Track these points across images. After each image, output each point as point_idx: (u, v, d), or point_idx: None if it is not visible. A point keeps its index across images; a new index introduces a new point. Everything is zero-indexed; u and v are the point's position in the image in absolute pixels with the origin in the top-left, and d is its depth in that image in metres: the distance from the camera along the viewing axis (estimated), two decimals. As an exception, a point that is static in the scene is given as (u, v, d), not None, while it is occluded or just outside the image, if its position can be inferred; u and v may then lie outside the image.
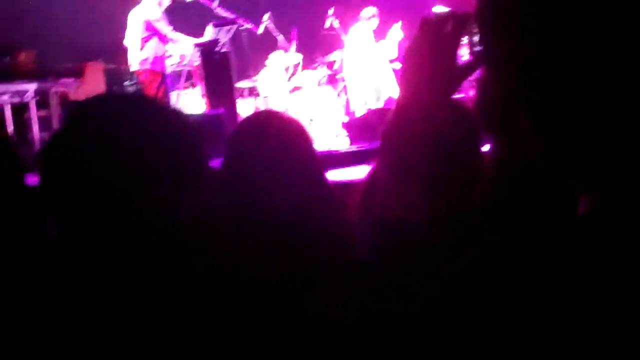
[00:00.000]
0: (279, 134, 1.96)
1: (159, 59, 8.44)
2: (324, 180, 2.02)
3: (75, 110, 1.30)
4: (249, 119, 2.24)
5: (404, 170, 1.85)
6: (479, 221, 1.75)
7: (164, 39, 8.49)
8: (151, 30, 8.37)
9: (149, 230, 1.21)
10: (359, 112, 10.37)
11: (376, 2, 11.01)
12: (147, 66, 8.37)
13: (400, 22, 10.71)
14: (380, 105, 9.96)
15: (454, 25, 1.26)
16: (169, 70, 8.80)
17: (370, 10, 10.60)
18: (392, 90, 10.35)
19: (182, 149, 1.26)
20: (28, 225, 1.62)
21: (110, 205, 1.18)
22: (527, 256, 0.90)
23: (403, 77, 1.35)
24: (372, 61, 10.50)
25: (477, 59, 1.21)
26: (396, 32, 10.76)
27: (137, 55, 8.41)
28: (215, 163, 5.66)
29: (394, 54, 10.69)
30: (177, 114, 1.33)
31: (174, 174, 1.22)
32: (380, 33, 10.76)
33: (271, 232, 1.83)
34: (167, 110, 1.33)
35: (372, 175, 2.01)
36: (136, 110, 1.27)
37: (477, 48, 1.07)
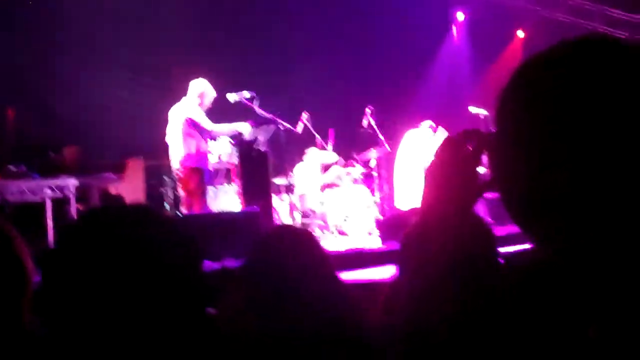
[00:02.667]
0: (292, 245, 2.12)
1: (201, 156, 8.49)
2: (336, 281, 2.11)
3: (74, 222, 1.37)
4: (268, 233, 2.42)
5: (424, 278, 1.91)
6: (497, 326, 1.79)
7: (205, 136, 8.58)
8: (192, 128, 8.47)
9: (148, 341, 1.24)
10: (393, 211, 10.47)
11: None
12: (189, 163, 8.41)
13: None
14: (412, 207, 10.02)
15: (476, 144, 1.31)
16: (209, 167, 8.92)
17: (428, 123, 10.96)
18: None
19: (176, 260, 1.30)
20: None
21: (106, 314, 1.21)
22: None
23: (425, 190, 1.40)
24: (419, 167, 10.68)
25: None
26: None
27: (179, 152, 8.48)
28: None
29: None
30: (174, 226, 1.37)
31: (168, 287, 1.26)
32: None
33: (285, 325, 1.93)
34: (164, 222, 1.37)
35: (395, 279, 2.08)
36: (132, 222, 1.31)
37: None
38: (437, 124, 11.04)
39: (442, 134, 10.91)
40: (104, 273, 1.22)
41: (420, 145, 10.83)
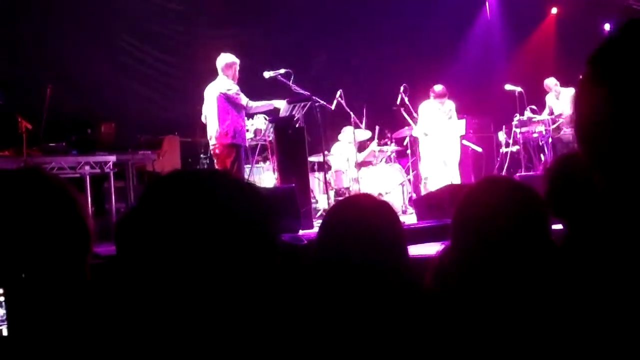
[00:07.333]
0: (369, 214, 2.10)
1: (237, 133, 8.50)
2: (405, 258, 2.11)
3: (152, 185, 1.35)
4: (346, 199, 2.39)
5: (476, 250, 1.95)
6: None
7: (241, 113, 8.60)
8: (228, 104, 8.50)
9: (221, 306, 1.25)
10: (426, 186, 10.48)
11: (446, 81, 11.17)
12: (226, 140, 8.43)
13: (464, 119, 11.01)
14: (446, 182, 9.98)
15: None
16: (245, 143, 8.92)
17: (438, 87, 10.79)
18: (455, 163, 10.53)
19: (255, 223, 1.30)
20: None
21: (182, 279, 1.22)
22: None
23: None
24: (439, 136, 10.64)
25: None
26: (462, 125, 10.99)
27: (215, 128, 8.50)
28: (286, 237, 5.63)
29: (462, 130, 10.90)
30: (251, 190, 1.37)
31: (247, 249, 1.26)
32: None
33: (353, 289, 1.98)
34: (241, 186, 1.36)
35: (444, 254, 2.10)
36: (210, 185, 1.31)
37: None
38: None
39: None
40: (183, 235, 1.22)
41: (430, 116, 10.86)
